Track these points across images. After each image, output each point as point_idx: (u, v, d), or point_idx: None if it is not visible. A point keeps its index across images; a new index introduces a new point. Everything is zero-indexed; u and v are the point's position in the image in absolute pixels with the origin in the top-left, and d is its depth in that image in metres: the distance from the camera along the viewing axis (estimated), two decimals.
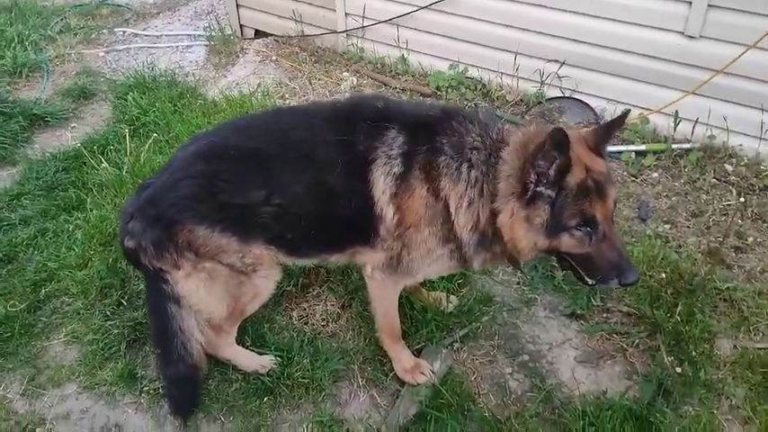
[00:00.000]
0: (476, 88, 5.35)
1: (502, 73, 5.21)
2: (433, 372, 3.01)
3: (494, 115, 2.69)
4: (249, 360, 3.10)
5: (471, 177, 2.49)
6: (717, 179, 4.25)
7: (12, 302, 3.49)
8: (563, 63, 4.84)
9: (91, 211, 4.05)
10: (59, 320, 3.45)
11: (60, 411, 3.02)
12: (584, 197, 2.29)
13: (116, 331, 3.30)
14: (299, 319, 3.42)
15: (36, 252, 3.82)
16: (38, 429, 2.94)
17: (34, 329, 3.39)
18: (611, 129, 2.56)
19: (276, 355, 3.12)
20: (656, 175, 4.36)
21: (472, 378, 3.11)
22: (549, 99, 5.05)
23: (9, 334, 3.32)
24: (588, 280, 2.48)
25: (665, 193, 4.20)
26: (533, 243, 2.39)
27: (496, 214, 2.43)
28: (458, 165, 2.50)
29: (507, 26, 5.02)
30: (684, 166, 4.35)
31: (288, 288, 3.50)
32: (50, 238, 3.92)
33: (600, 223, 2.33)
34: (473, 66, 5.38)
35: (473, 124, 2.57)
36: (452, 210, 2.52)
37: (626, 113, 2.61)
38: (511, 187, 2.38)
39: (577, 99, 4.96)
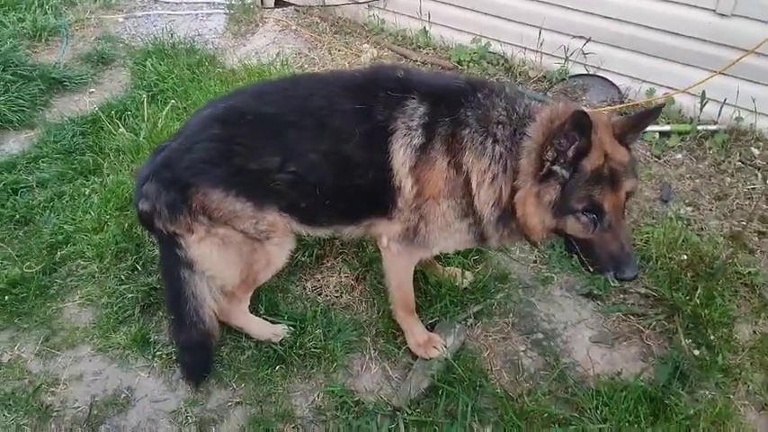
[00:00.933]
0: (498, 63, 5.27)
1: (525, 48, 5.11)
2: (445, 346, 2.99)
3: (519, 90, 2.62)
4: (262, 328, 3.09)
5: (496, 153, 2.43)
6: (742, 162, 4.16)
7: (28, 264, 3.51)
8: (588, 39, 4.74)
9: (107, 175, 4.05)
10: (74, 283, 3.46)
11: (74, 372, 3.04)
12: (596, 183, 2.25)
13: (130, 295, 3.31)
14: (313, 290, 3.41)
15: (53, 215, 3.83)
16: (51, 389, 2.96)
17: (49, 291, 3.41)
18: (642, 120, 2.47)
19: (289, 325, 3.11)
20: (679, 156, 4.27)
21: (485, 354, 3.09)
22: (573, 76, 4.96)
23: (25, 295, 3.35)
24: (588, 266, 2.47)
25: (688, 175, 4.12)
26: (541, 221, 2.36)
27: (516, 191, 2.39)
28: (482, 139, 2.44)
29: (533, 0, 4.91)
30: (709, 148, 4.26)
31: (302, 258, 3.48)
32: (67, 202, 3.92)
33: (607, 213, 2.29)
34: (496, 40, 5.29)
35: (499, 98, 2.51)
36: (474, 185, 2.47)
37: (660, 108, 2.58)
38: (531, 163, 2.34)
39: (601, 77, 4.86)
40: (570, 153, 2.22)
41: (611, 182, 2.26)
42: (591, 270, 2.49)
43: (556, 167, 2.27)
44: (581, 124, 2.15)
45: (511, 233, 2.61)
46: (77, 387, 2.98)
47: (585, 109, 2.44)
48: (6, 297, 3.33)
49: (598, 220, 2.30)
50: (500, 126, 2.45)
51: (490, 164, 2.44)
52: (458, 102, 2.49)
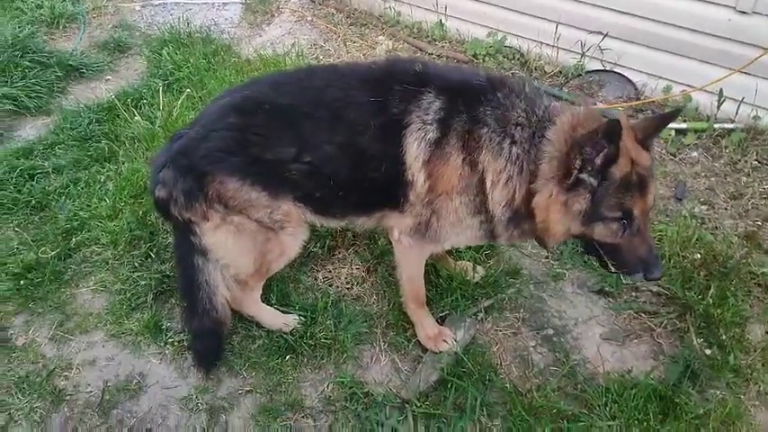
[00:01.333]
0: (514, 57, 5.25)
1: (541, 43, 5.09)
2: (455, 340, 2.99)
3: (538, 89, 2.60)
4: (273, 318, 3.11)
5: (513, 154, 2.42)
6: (759, 162, 4.12)
7: (43, 249, 3.54)
8: (605, 35, 4.70)
9: (123, 163, 4.08)
10: (89, 269, 3.50)
11: (87, 357, 3.08)
12: (625, 190, 2.26)
13: (143, 282, 3.34)
14: (324, 281, 3.42)
15: (68, 201, 3.87)
16: (65, 373, 3.00)
17: (64, 277, 3.44)
18: (662, 122, 2.48)
19: (300, 315, 3.13)
20: (695, 154, 4.24)
21: (495, 349, 3.09)
22: (589, 71, 4.93)
23: (40, 280, 3.38)
24: (612, 268, 2.49)
25: (703, 174, 4.09)
26: (567, 228, 2.37)
27: (533, 194, 2.38)
28: (500, 140, 2.43)
29: None
30: (726, 147, 4.22)
31: (314, 249, 3.50)
32: (82, 188, 3.96)
33: (636, 218, 2.31)
34: (512, 34, 5.26)
35: (519, 98, 2.48)
36: (488, 184, 2.47)
37: (679, 110, 2.60)
38: (553, 170, 2.33)
39: (618, 73, 4.83)
40: (598, 161, 2.22)
41: (639, 187, 2.28)
42: (615, 272, 2.52)
43: (583, 176, 2.26)
44: (612, 133, 2.14)
45: (521, 233, 2.61)
46: (90, 372, 3.02)
47: (617, 114, 2.43)
48: (22, 282, 3.37)
49: (628, 225, 2.32)
50: (519, 127, 2.43)
51: (506, 165, 2.43)
52: (477, 99, 2.48)
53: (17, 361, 3.05)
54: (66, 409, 2.86)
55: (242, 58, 5.33)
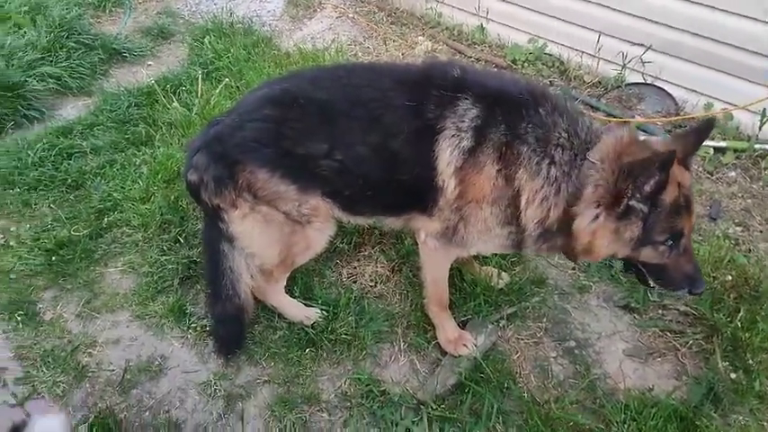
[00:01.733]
0: (553, 65, 5.21)
1: (582, 52, 5.04)
2: (475, 345, 2.97)
3: (579, 110, 2.57)
4: (296, 310, 3.13)
5: (551, 175, 2.39)
6: None
7: (76, 227, 3.63)
8: (648, 48, 4.63)
9: (158, 147, 4.15)
10: (118, 250, 3.56)
11: (111, 336, 3.13)
12: (675, 214, 2.27)
13: (171, 266, 3.39)
14: (349, 277, 3.43)
15: (103, 181, 3.94)
16: (89, 350, 3.06)
17: (94, 255, 3.51)
18: (699, 138, 2.44)
19: (322, 309, 3.14)
20: (733, 174, 4.16)
21: (515, 357, 3.07)
22: (629, 84, 4.87)
23: (71, 257, 3.46)
24: (652, 284, 2.50)
25: (740, 194, 4.00)
26: (613, 252, 2.39)
27: (572, 216, 2.37)
28: (539, 159, 2.39)
29: (593, 3, 4.83)
30: (765, 168, 4.13)
31: (340, 245, 3.51)
32: (117, 170, 4.04)
33: (684, 238, 2.33)
34: (553, 42, 5.23)
35: (562, 117, 2.43)
36: (523, 201, 2.44)
37: (712, 121, 2.55)
38: (599, 195, 2.31)
39: (658, 87, 4.75)
40: (649, 188, 2.20)
41: (686, 209, 2.30)
42: (654, 287, 2.54)
43: (633, 203, 2.25)
44: (666, 164, 2.13)
45: (550, 248, 2.59)
46: (113, 350, 3.07)
47: (656, 131, 2.39)
48: (53, 258, 3.44)
49: (675, 245, 2.33)
50: (560, 149, 2.40)
51: (543, 185, 2.40)
52: (517, 113, 2.43)
53: (44, 335, 3.12)
54: (87, 385, 2.91)
55: (282, 51, 5.37)
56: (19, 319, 3.16)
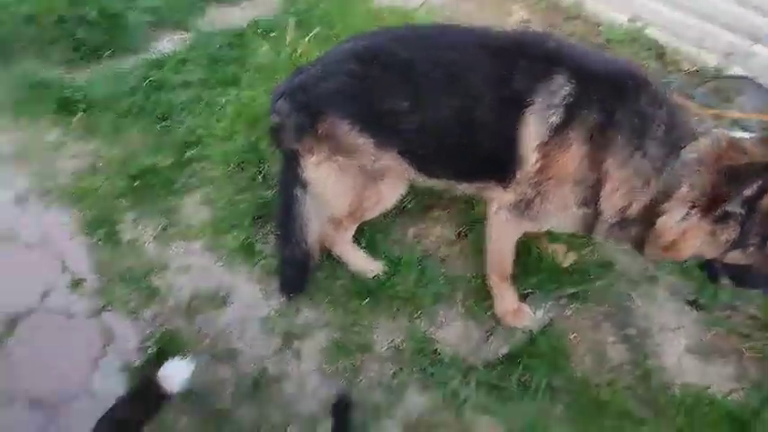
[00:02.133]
0: (650, 48, 4.98)
1: (683, 38, 4.80)
2: (533, 319, 2.96)
3: (679, 103, 2.48)
4: (360, 261, 3.18)
5: (641, 168, 2.33)
6: None
7: (160, 157, 3.77)
8: (756, 42, 4.37)
9: (244, 89, 4.23)
10: (197, 183, 3.69)
11: (182, 263, 3.27)
12: None
13: (245, 204, 3.49)
14: (414, 237, 3.45)
15: (189, 116, 4.07)
16: (161, 274, 3.21)
17: (174, 186, 3.65)
18: None
19: (385, 264, 3.18)
20: None
21: (571, 337, 3.04)
22: (729, 76, 4.62)
23: (153, 184, 3.62)
24: (723, 281, 2.49)
25: None
26: (701, 253, 2.36)
27: (657, 212, 2.32)
28: (632, 150, 2.33)
29: None
30: None
31: (409, 205, 3.52)
32: (204, 107, 4.15)
33: None
34: (653, 24, 5.01)
35: (662, 110, 2.34)
36: (607, 188, 2.39)
37: None
38: (693, 196, 2.25)
39: (759, 83, 4.50)
40: (749, 193, 2.14)
41: None
42: (728, 286, 2.52)
43: (732, 207, 2.19)
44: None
45: (621, 237, 2.55)
46: (183, 277, 3.21)
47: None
48: (137, 183, 3.61)
49: (763, 246, 2.27)
50: (654, 142, 2.32)
51: (631, 176, 2.35)
52: (615, 97, 2.35)
53: (121, 254, 3.29)
54: (156, 306, 3.07)
55: (373, 7, 5.35)
56: (101, 236, 3.35)
